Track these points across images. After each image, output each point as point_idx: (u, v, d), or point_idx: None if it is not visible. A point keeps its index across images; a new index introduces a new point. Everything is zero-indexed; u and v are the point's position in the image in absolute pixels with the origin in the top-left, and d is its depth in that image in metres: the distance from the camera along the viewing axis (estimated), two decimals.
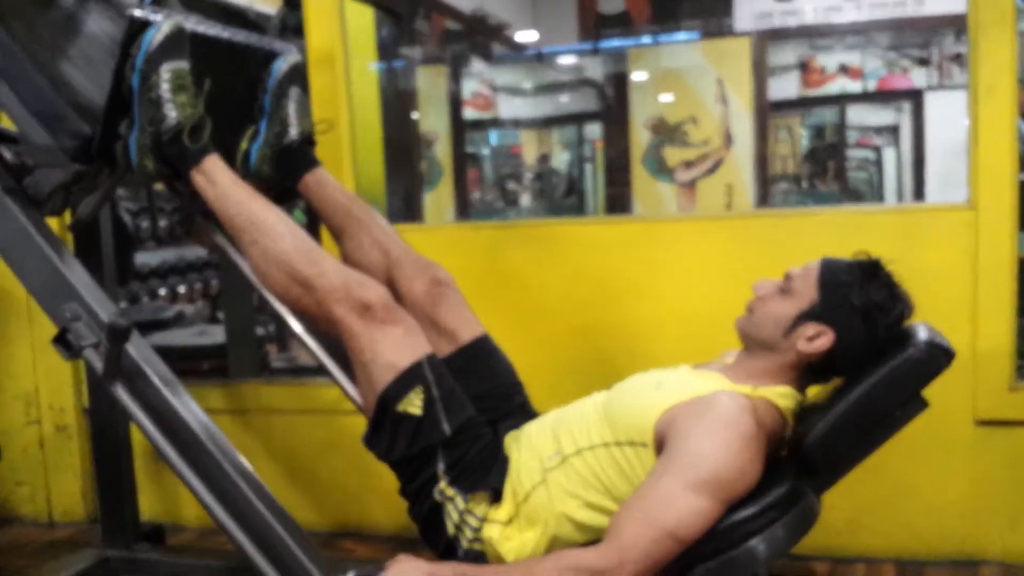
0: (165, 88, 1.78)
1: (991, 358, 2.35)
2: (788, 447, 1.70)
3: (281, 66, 2.08)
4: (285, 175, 2.10)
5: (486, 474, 1.72)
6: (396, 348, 1.70)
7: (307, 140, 2.13)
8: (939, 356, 1.62)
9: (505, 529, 1.70)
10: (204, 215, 2.19)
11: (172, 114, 1.79)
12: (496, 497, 1.72)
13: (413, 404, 1.68)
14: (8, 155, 1.81)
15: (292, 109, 2.10)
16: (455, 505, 1.70)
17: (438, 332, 1.96)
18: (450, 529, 1.70)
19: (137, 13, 1.78)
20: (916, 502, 2.46)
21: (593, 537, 1.62)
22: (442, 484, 1.69)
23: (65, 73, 1.88)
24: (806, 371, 1.72)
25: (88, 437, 2.92)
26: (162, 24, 1.78)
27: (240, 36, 2.06)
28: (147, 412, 1.76)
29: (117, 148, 1.82)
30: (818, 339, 1.66)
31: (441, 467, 1.70)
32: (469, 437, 1.73)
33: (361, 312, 1.70)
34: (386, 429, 1.71)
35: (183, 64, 1.81)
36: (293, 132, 2.09)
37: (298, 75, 2.13)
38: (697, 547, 1.52)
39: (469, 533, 1.70)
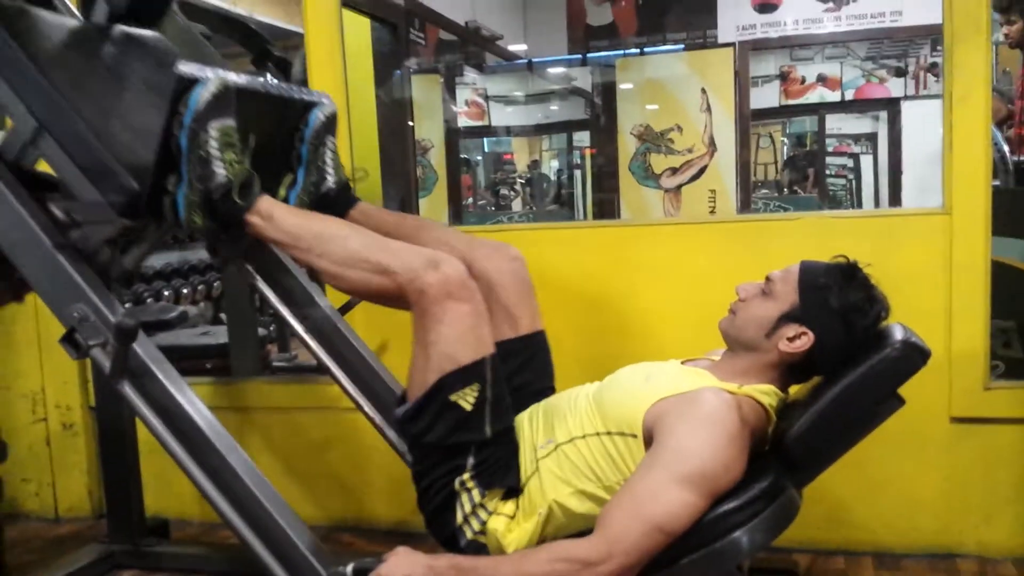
0: (213, 146, 1.79)
1: (966, 358, 2.38)
2: (770, 443, 1.74)
3: (318, 116, 2.09)
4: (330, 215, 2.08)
5: (506, 474, 1.74)
6: (462, 338, 1.69)
7: (344, 188, 2.14)
8: (915, 356, 1.66)
9: (510, 522, 1.73)
10: (242, 256, 2.22)
11: (221, 171, 1.80)
12: (511, 494, 1.75)
13: (465, 399, 1.69)
14: (59, 212, 1.83)
15: (329, 158, 2.11)
16: (470, 497, 1.72)
17: (503, 314, 1.96)
18: (458, 519, 1.73)
19: (184, 71, 1.77)
20: (894, 497, 2.49)
21: (584, 525, 1.65)
22: (465, 476, 1.72)
23: (112, 129, 1.88)
24: (787, 370, 1.77)
25: (94, 434, 2.96)
26: (209, 82, 1.77)
27: (279, 88, 2.07)
28: (153, 409, 1.80)
29: (165, 203, 1.82)
30: (798, 340, 1.71)
31: (470, 462, 1.71)
32: (503, 441, 1.75)
33: (437, 286, 1.68)
34: (430, 412, 1.71)
35: (230, 121, 1.82)
36: (330, 181, 2.11)
37: (334, 125, 2.14)
38: (683, 539, 1.55)
39: (476, 525, 1.72)
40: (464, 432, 1.71)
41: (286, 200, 2.06)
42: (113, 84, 2.01)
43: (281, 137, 2.07)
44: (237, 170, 1.82)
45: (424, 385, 1.71)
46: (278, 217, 1.85)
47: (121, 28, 2.17)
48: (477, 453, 1.72)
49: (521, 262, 2.03)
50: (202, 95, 1.77)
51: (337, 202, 2.12)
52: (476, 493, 1.72)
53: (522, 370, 1.95)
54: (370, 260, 1.76)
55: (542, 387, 1.99)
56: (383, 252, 1.77)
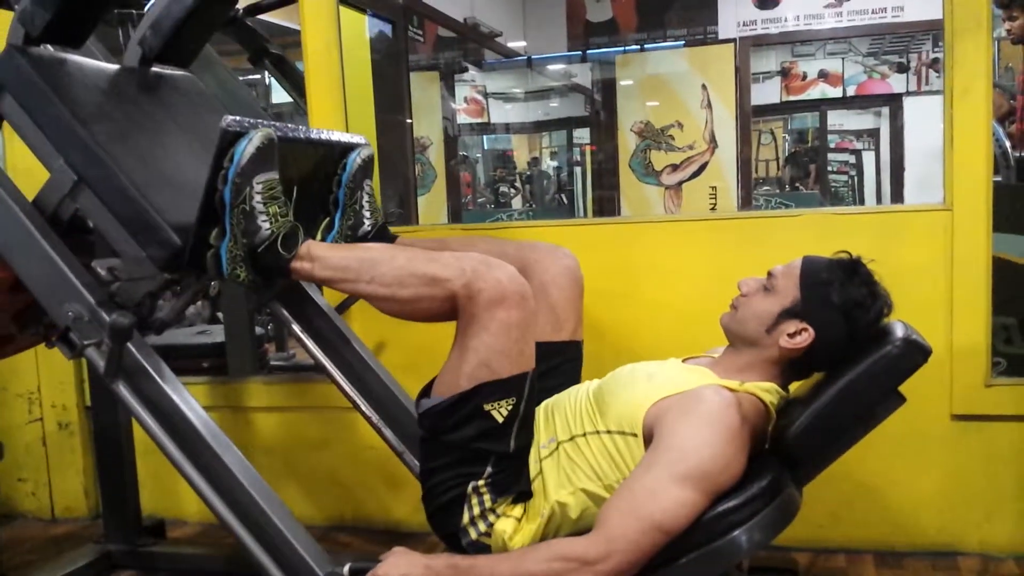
0: (258, 200, 1.77)
1: (967, 355, 2.37)
2: (771, 441, 1.74)
3: (356, 160, 2.08)
4: None
5: (518, 481, 1.73)
6: (506, 350, 1.66)
7: (381, 229, 2.12)
8: (916, 353, 1.65)
9: (517, 524, 1.72)
10: (274, 299, 2.21)
11: (265, 225, 1.78)
12: (521, 498, 1.74)
13: (500, 410, 1.67)
14: (102, 271, 1.81)
15: (366, 201, 2.10)
16: (481, 502, 1.71)
17: (549, 315, 1.94)
18: (464, 520, 1.71)
19: (230, 125, 1.75)
20: (895, 495, 2.49)
21: (584, 525, 1.64)
22: (479, 483, 1.70)
23: (150, 178, 1.87)
24: (788, 367, 1.76)
25: (90, 434, 2.94)
26: (254, 136, 1.76)
27: (319, 135, 2.05)
28: (148, 409, 1.79)
29: (207, 257, 1.80)
30: (799, 335, 1.70)
31: (487, 471, 1.70)
32: (522, 454, 1.74)
33: (490, 291, 1.64)
34: (461, 414, 1.68)
35: (274, 175, 1.81)
36: (367, 224, 2.09)
37: (370, 168, 2.13)
38: (683, 538, 1.55)
39: (483, 527, 1.71)
40: (489, 442, 1.69)
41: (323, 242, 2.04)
42: (151, 132, 2.00)
43: (319, 181, 2.06)
44: (281, 223, 1.80)
45: (457, 387, 1.68)
46: (322, 256, 1.82)
47: (155, 71, 2.17)
48: (496, 464, 1.70)
49: (574, 261, 2.02)
50: (247, 149, 1.75)
51: (376, 240, 2.10)
52: (487, 499, 1.71)
53: (553, 373, 1.92)
54: (419, 273, 1.72)
55: None
56: (432, 263, 1.72)
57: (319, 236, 2.06)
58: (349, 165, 2.07)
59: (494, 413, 1.67)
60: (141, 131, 2.00)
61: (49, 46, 1.98)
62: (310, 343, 2.23)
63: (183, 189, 1.88)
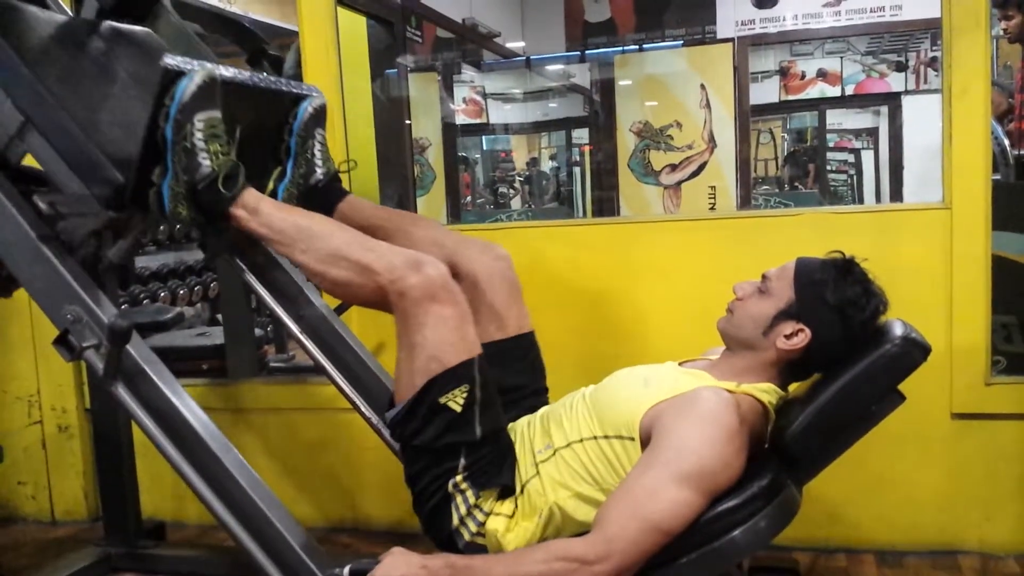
0: (199, 137, 1.79)
1: (967, 353, 2.38)
2: (770, 441, 1.74)
3: (307, 109, 2.09)
4: (318, 210, 2.06)
5: (499, 472, 1.74)
6: (448, 339, 1.68)
7: (333, 179, 2.14)
8: (915, 351, 1.65)
9: (508, 521, 1.72)
10: (227, 251, 2.21)
11: (206, 163, 1.80)
12: (504, 493, 1.75)
13: (455, 400, 1.68)
14: (43, 205, 1.83)
15: (317, 151, 2.11)
16: (465, 499, 1.71)
17: (490, 315, 1.95)
18: (454, 521, 1.72)
19: (170, 63, 1.77)
20: (895, 494, 2.49)
21: (583, 528, 1.64)
22: (458, 478, 1.71)
23: (97, 121, 1.88)
24: (786, 368, 1.76)
25: (89, 437, 2.94)
26: (195, 74, 1.77)
27: (267, 81, 2.06)
28: (147, 411, 1.79)
29: (150, 195, 1.81)
30: (795, 336, 1.70)
31: (462, 464, 1.71)
32: (494, 441, 1.75)
33: (419, 288, 1.67)
34: (420, 415, 1.70)
35: (216, 113, 1.82)
36: (319, 173, 2.11)
37: (323, 117, 2.13)
38: (681, 538, 1.55)
39: (473, 527, 1.71)
40: (454, 433, 1.70)
41: (274, 193, 2.06)
42: (100, 78, 2.02)
43: (270, 131, 2.07)
44: (222, 161, 1.82)
45: (412, 388, 1.70)
46: (263, 211, 1.85)
47: (110, 24, 2.17)
48: (468, 454, 1.71)
49: (507, 262, 2.03)
50: (188, 87, 1.76)
51: (326, 194, 2.12)
52: (470, 494, 1.71)
53: (513, 372, 1.94)
54: (352, 259, 1.75)
55: (535, 388, 1.99)
56: (366, 251, 1.76)
57: (271, 185, 2.06)
58: (300, 114, 2.08)
59: (451, 404, 1.69)
60: (90, 78, 2.01)
61: None
62: (309, 344, 2.22)
63: (129, 130, 1.88)
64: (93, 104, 1.92)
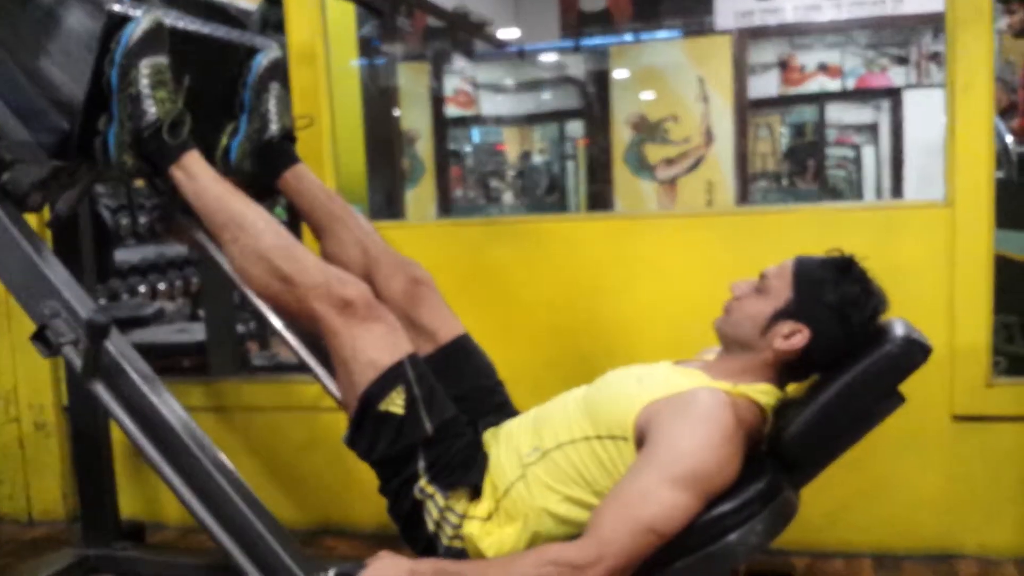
0: (144, 84, 1.77)
1: (968, 354, 2.37)
2: (767, 443, 1.71)
3: (261, 61, 2.08)
4: (265, 171, 2.10)
5: (466, 472, 1.72)
6: (377, 346, 1.69)
7: (287, 136, 2.13)
8: (916, 352, 1.63)
9: (485, 525, 1.70)
10: (184, 212, 2.16)
11: (152, 110, 1.79)
12: (475, 494, 1.73)
13: (395, 403, 1.68)
14: None
15: (272, 105, 2.09)
16: (435, 503, 1.70)
17: (417, 332, 1.95)
18: (430, 526, 1.70)
19: (116, 8, 1.76)
20: (894, 497, 2.48)
21: (574, 531, 1.61)
22: (422, 482, 1.70)
23: (43, 68, 1.85)
24: (785, 368, 1.73)
25: (68, 435, 2.94)
26: (141, 19, 1.77)
27: (220, 32, 2.05)
28: (126, 409, 1.76)
29: (96, 144, 1.80)
30: (794, 336, 1.67)
31: (422, 465, 1.70)
32: (450, 436, 1.73)
33: (342, 309, 1.70)
34: (368, 428, 1.70)
35: (163, 59, 1.80)
36: (273, 128, 2.10)
37: (278, 71, 2.12)
38: (676, 542, 1.52)
39: (449, 531, 1.70)
40: (405, 436, 1.70)
41: (228, 148, 2.07)
42: (48, 26, 2.00)
43: (224, 84, 2.06)
44: (168, 108, 1.80)
45: (352, 403, 1.72)
46: (201, 180, 1.83)
47: None
48: (427, 454, 1.70)
49: (425, 284, 2.03)
50: (134, 32, 1.75)
51: (278, 155, 2.11)
52: (439, 497, 1.70)
53: (461, 378, 1.93)
54: (275, 264, 1.76)
55: (487, 386, 1.97)
56: (291, 261, 1.76)
57: (225, 140, 2.07)
58: (255, 67, 2.08)
59: (392, 409, 1.69)
60: (36, 25, 1.96)
61: None
62: (294, 342, 2.21)
63: (75, 77, 1.85)
64: (40, 51, 1.89)
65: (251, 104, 2.07)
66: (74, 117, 1.79)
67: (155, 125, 1.79)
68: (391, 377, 1.68)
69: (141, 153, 1.82)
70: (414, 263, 2.05)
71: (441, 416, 1.72)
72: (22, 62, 1.83)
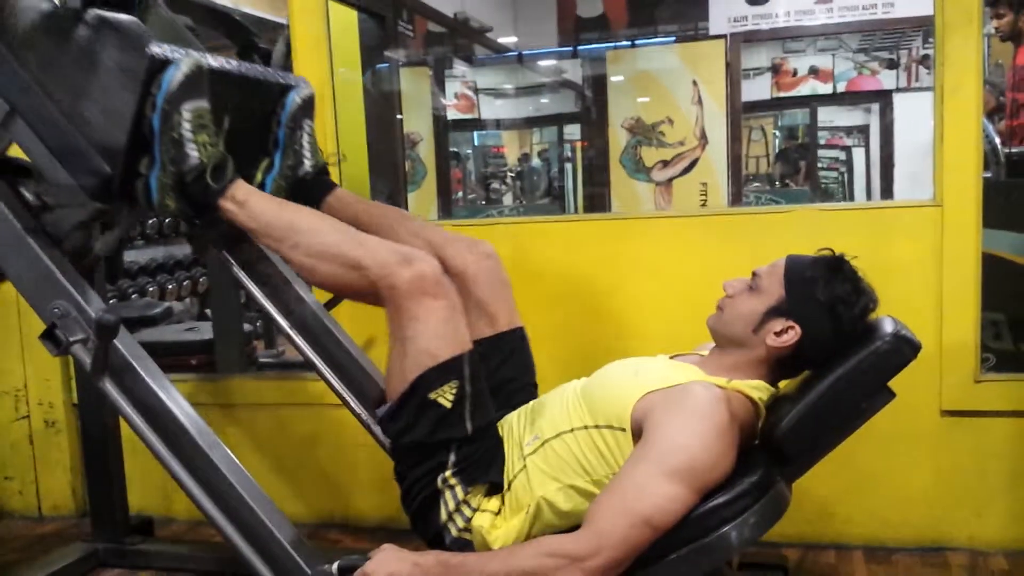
0: (187, 128, 1.77)
1: (957, 351, 2.38)
2: (760, 437, 1.74)
3: (295, 99, 2.07)
4: (306, 203, 2.06)
5: (488, 468, 1.73)
6: (438, 334, 1.68)
7: (321, 171, 2.12)
8: (905, 348, 1.66)
9: (495, 518, 1.72)
10: (216, 244, 2.19)
11: (194, 154, 1.78)
12: (493, 490, 1.74)
13: (444, 396, 1.68)
14: (29, 195, 1.81)
15: (306, 142, 2.09)
16: (454, 494, 1.71)
17: (479, 312, 1.95)
18: (442, 516, 1.71)
19: (156, 52, 1.75)
20: (885, 491, 2.49)
21: (574, 522, 1.64)
22: (447, 474, 1.70)
23: (82, 109, 1.85)
24: (776, 365, 1.76)
25: (77, 432, 2.94)
26: (182, 63, 1.76)
27: (255, 71, 2.04)
28: (135, 406, 1.78)
29: (137, 186, 1.80)
30: (785, 334, 1.70)
31: (451, 459, 1.70)
32: (484, 437, 1.74)
33: (411, 283, 1.67)
34: (410, 411, 1.70)
35: (203, 103, 1.80)
36: (307, 165, 2.09)
37: (311, 108, 2.11)
38: (672, 534, 1.55)
39: (461, 522, 1.71)
40: (445, 430, 1.70)
41: (262, 184, 2.05)
42: (86, 66, 1.98)
43: (258, 121, 2.05)
44: (210, 152, 1.80)
45: (403, 383, 1.70)
46: (252, 204, 1.83)
47: (96, 12, 2.15)
48: (458, 450, 1.71)
49: (496, 259, 2.03)
50: (175, 76, 1.75)
51: (314, 186, 2.10)
52: (459, 490, 1.71)
53: (502, 367, 1.94)
54: (343, 255, 1.74)
55: (524, 383, 1.98)
56: (357, 247, 1.75)
57: (259, 176, 2.05)
58: (288, 104, 2.07)
59: (440, 400, 1.68)
60: (76, 66, 1.96)
61: None
62: (299, 339, 2.22)
63: (115, 120, 1.84)
64: (79, 92, 1.89)
65: (285, 141, 2.06)
66: (115, 160, 1.79)
67: (198, 169, 1.78)
68: (448, 370, 1.68)
69: (184, 196, 1.81)
70: (484, 242, 2.05)
71: (482, 420, 1.73)
72: (62, 103, 1.82)
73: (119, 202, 1.86)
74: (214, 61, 1.88)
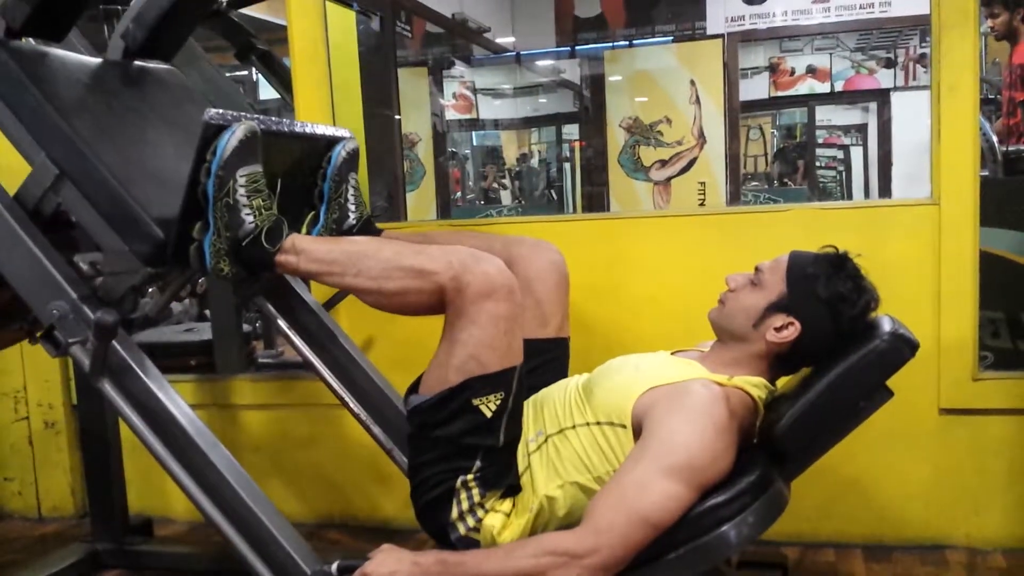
0: (241, 192, 1.77)
1: (955, 349, 2.38)
2: (759, 435, 1.74)
3: (340, 152, 2.06)
4: None
5: (507, 474, 1.73)
6: (494, 343, 1.65)
7: (366, 224, 2.11)
8: (903, 347, 1.66)
9: (505, 519, 1.72)
10: (262, 295, 2.20)
11: (249, 219, 1.77)
12: (509, 492, 1.74)
13: (487, 405, 1.67)
14: (84, 265, 1.82)
15: (351, 195, 2.08)
16: (470, 496, 1.71)
17: (536, 310, 1.94)
18: (453, 515, 1.71)
19: (212, 118, 1.74)
20: (883, 489, 2.49)
21: (576, 520, 1.63)
22: (468, 477, 1.70)
23: (132, 173, 1.85)
24: (776, 361, 1.76)
25: (76, 433, 2.93)
26: (236, 129, 1.75)
27: (303, 128, 2.05)
28: (134, 407, 1.78)
29: (191, 251, 1.80)
30: (785, 329, 1.71)
31: (476, 465, 1.70)
32: (510, 448, 1.74)
33: (479, 284, 1.64)
34: (450, 409, 1.68)
35: (258, 168, 1.80)
36: (352, 218, 2.08)
37: (356, 161, 2.11)
38: (671, 533, 1.55)
39: (471, 521, 1.71)
40: (478, 436, 1.69)
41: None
42: (133, 126, 1.99)
43: (303, 175, 2.05)
44: (265, 216, 1.79)
45: (446, 381, 1.68)
46: (307, 249, 1.81)
47: (138, 64, 2.16)
48: (485, 458, 1.70)
49: (560, 257, 2.02)
50: (230, 142, 1.74)
51: (361, 233, 2.09)
52: (476, 493, 1.71)
53: (540, 372, 1.92)
54: (407, 265, 1.71)
55: None
56: (419, 256, 1.71)
57: (304, 230, 2.04)
58: (334, 158, 2.06)
59: (483, 408, 1.67)
60: (123, 124, 1.99)
61: (31, 40, 1.98)
62: (298, 340, 2.22)
63: (166, 183, 1.86)
64: (127, 154, 1.89)
65: (330, 195, 2.05)
66: (167, 225, 1.79)
67: (254, 234, 1.77)
68: (499, 381, 1.67)
69: (240, 260, 1.80)
70: (548, 243, 2.04)
71: (514, 432, 1.73)
72: (112, 166, 1.82)
73: (172, 267, 1.86)
74: (266, 124, 1.87)
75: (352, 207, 2.08)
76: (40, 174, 1.84)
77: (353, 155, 2.10)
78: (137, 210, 1.80)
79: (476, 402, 1.67)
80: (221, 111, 1.78)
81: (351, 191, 2.09)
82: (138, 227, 1.79)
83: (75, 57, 2.06)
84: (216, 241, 1.78)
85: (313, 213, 2.07)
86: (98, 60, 2.11)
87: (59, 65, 1.98)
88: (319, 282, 1.90)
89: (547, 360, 1.96)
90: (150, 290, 2.04)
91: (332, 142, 2.08)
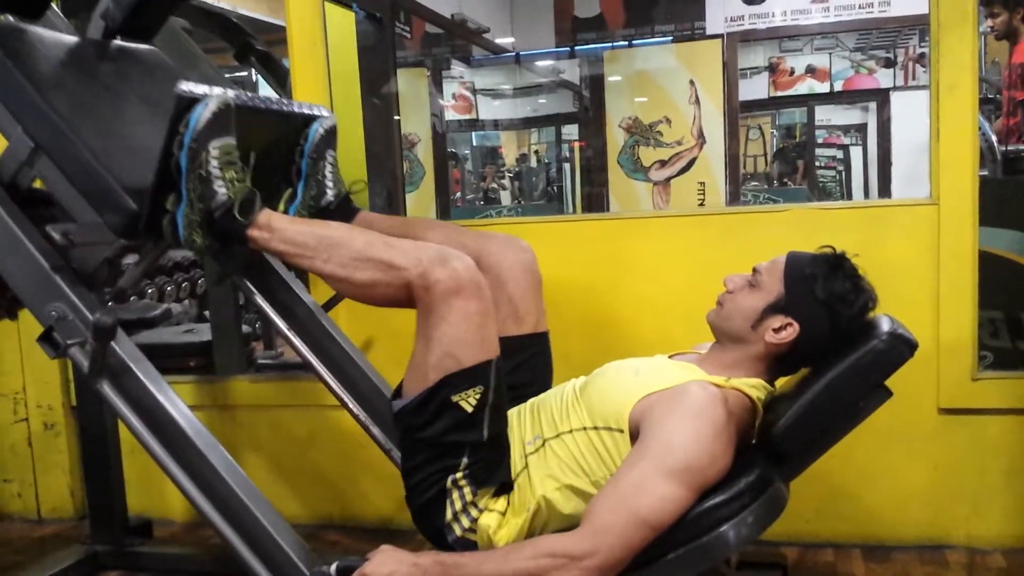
0: (214, 165, 1.77)
1: (954, 349, 2.38)
2: (757, 436, 1.74)
3: (318, 130, 2.07)
4: None
5: (498, 471, 1.73)
6: (467, 338, 1.66)
7: (344, 201, 2.12)
8: (902, 347, 1.66)
9: (501, 518, 1.72)
10: (239, 272, 2.20)
11: (222, 190, 1.78)
12: (503, 490, 1.74)
13: (467, 400, 1.67)
14: (56, 235, 1.82)
15: (328, 172, 2.09)
16: (462, 495, 1.71)
17: (509, 308, 1.94)
18: (448, 516, 1.71)
19: (184, 90, 1.75)
20: (882, 489, 2.49)
21: (574, 523, 1.64)
22: (458, 475, 1.70)
23: (107, 146, 1.86)
24: (775, 362, 1.76)
25: (76, 434, 2.93)
26: (209, 102, 1.76)
27: (279, 104, 2.06)
28: (133, 408, 1.78)
29: (164, 223, 1.80)
30: (784, 330, 1.71)
31: (464, 462, 1.70)
32: (497, 443, 1.74)
33: (445, 282, 1.64)
34: (430, 409, 1.69)
35: (230, 140, 1.80)
36: (330, 195, 2.09)
37: (334, 138, 2.12)
38: (670, 534, 1.55)
39: (466, 522, 1.71)
40: (462, 433, 1.69)
41: (285, 213, 2.04)
42: (110, 102, 2.00)
43: (280, 152, 2.05)
44: (238, 188, 1.80)
45: (425, 381, 1.69)
46: (279, 227, 1.82)
47: (117, 44, 2.16)
48: (472, 454, 1.70)
49: (531, 254, 2.02)
50: (203, 114, 1.74)
51: (338, 214, 2.10)
52: (468, 491, 1.71)
53: (521, 369, 1.93)
54: (377, 258, 1.72)
55: (540, 389, 1.97)
56: (390, 249, 1.73)
57: (282, 207, 2.05)
58: (311, 135, 2.07)
59: (463, 404, 1.67)
60: (100, 100, 1.99)
61: (9, 16, 1.99)
62: (297, 341, 2.22)
63: (140, 157, 1.86)
64: (103, 129, 1.90)
65: (308, 171, 2.07)
66: (141, 197, 1.79)
67: (226, 206, 1.78)
68: (475, 375, 1.67)
69: (212, 232, 1.81)
70: (519, 239, 2.04)
71: (499, 426, 1.73)
72: (87, 140, 1.83)
73: (145, 238, 1.87)
74: (240, 97, 1.88)
75: (330, 184, 2.09)
76: (16, 148, 1.85)
77: (331, 132, 2.11)
78: (110, 182, 1.80)
79: (456, 398, 1.67)
80: (194, 84, 1.79)
81: (328, 168, 2.10)
82: (111, 199, 1.80)
83: (54, 35, 2.07)
84: (189, 213, 1.78)
85: (291, 190, 2.08)
86: (77, 39, 2.12)
87: (36, 41, 1.98)
88: (289, 263, 1.91)
89: (529, 356, 1.97)
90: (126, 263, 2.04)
91: (310, 119, 2.09)
